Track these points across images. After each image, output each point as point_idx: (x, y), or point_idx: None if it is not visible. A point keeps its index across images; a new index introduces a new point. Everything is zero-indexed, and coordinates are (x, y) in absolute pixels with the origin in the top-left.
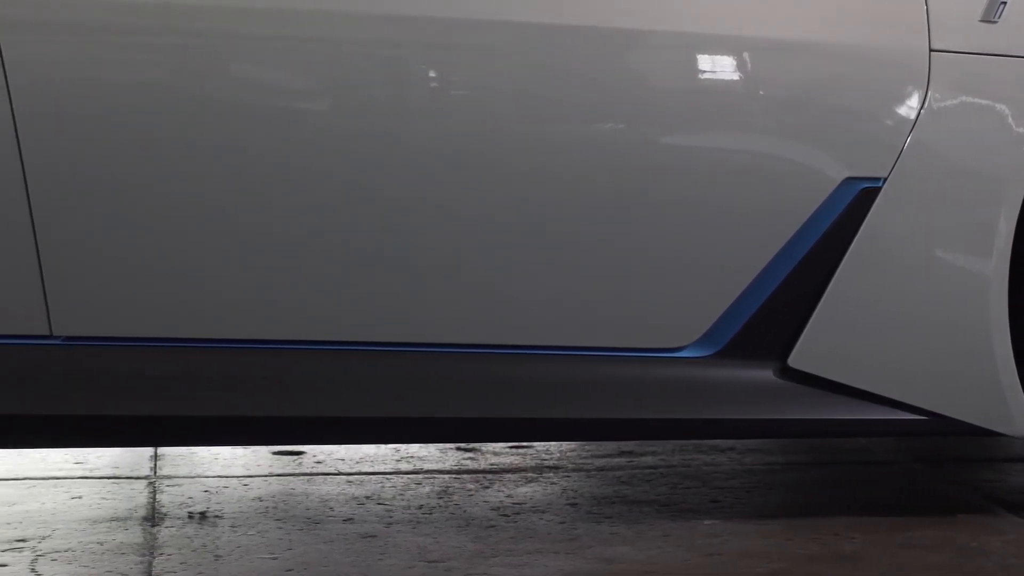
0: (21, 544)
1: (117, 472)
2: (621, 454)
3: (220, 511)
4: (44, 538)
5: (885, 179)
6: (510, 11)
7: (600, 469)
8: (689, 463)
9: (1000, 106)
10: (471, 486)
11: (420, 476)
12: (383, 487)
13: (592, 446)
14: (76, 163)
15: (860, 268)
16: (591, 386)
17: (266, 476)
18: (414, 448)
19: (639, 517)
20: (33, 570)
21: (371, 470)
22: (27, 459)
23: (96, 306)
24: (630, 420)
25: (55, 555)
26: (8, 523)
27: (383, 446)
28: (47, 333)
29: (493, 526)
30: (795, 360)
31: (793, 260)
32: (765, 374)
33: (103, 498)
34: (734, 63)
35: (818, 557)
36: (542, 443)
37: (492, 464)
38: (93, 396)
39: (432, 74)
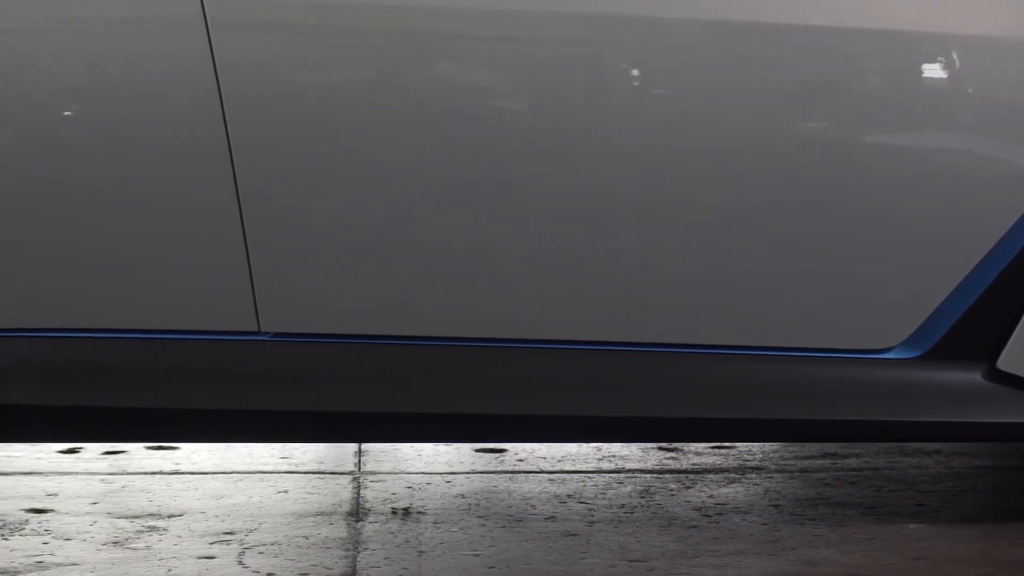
0: (229, 537)
1: (322, 467)
2: (824, 456)
3: (423, 507)
4: (251, 531)
5: None
6: (709, 9)
7: (803, 471)
8: (894, 466)
9: None
10: (673, 486)
11: (622, 475)
12: (585, 486)
13: (795, 447)
14: (284, 162)
15: None
16: (796, 387)
17: (468, 473)
18: (616, 447)
19: (843, 519)
20: (240, 562)
21: (573, 468)
22: (234, 453)
23: (303, 303)
24: (835, 421)
25: (262, 548)
26: (216, 516)
27: (585, 445)
28: (256, 329)
29: (695, 526)
30: (1004, 362)
31: (1003, 261)
32: (973, 376)
33: (308, 493)
34: (945, 61)
35: None
36: (745, 444)
37: (694, 464)
38: (299, 391)
39: (634, 72)
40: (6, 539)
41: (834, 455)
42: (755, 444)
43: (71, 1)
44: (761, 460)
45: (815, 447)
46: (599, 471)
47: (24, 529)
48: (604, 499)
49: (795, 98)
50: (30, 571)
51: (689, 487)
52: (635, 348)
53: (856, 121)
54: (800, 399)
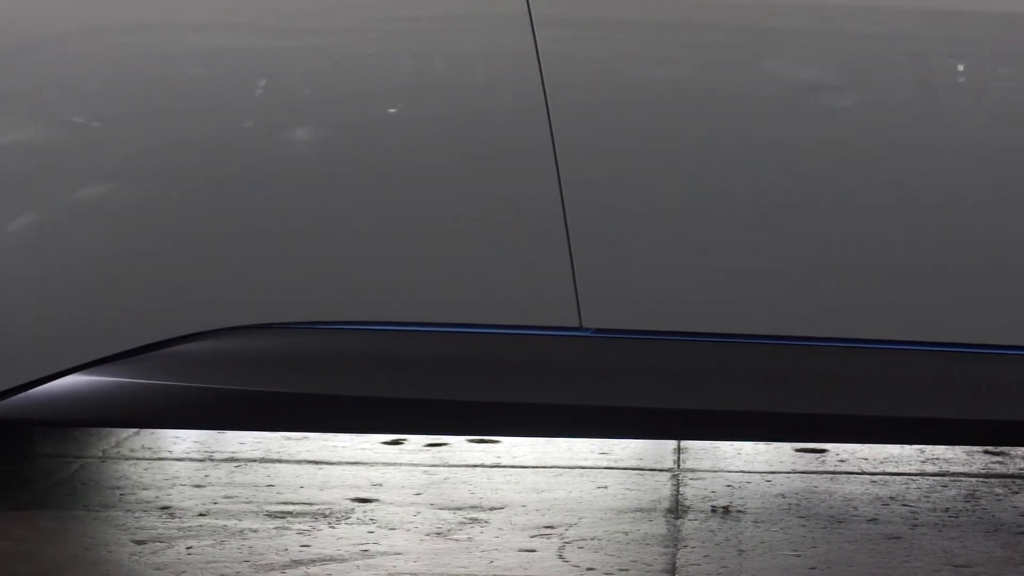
0: (549, 531)
1: (641, 463)
2: None
3: (743, 506)
4: (571, 526)
5: None
6: None
7: None
8: None
9: None
10: (999, 490)
11: (946, 478)
12: (908, 488)
13: None
14: (607, 158)
15: None
16: None
17: (788, 472)
18: (940, 450)
19: None
20: (560, 556)
21: (895, 470)
22: (554, 448)
23: (625, 299)
24: None
25: (581, 543)
26: (537, 510)
27: (908, 447)
28: (577, 325)
29: (1023, 532)
30: None
31: None
32: None
33: (627, 489)
34: None
35: None
36: None
37: (1022, 468)
38: (620, 387)
39: (959, 68)
40: (332, 527)
41: None
42: None
43: (394, 1)
44: None
45: None
46: (922, 474)
47: (350, 518)
48: (928, 502)
49: None
50: (355, 559)
51: (1016, 492)
52: (957, 349)
53: None
54: None
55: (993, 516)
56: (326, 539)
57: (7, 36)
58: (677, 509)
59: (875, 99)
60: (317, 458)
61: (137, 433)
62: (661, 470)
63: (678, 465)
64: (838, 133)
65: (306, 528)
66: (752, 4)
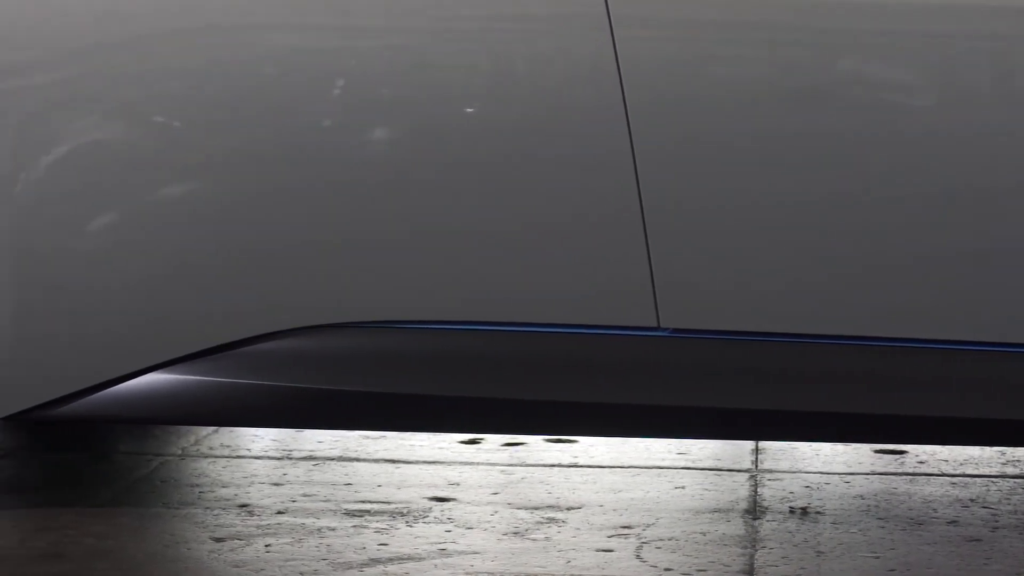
0: (626, 531)
1: (719, 464)
2: None
3: (821, 507)
4: (648, 526)
5: None
6: None
7: None
8: None
9: None
10: None
11: None
12: (988, 490)
13: None
14: (684, 159)
15: None
16: None
17: (867, 474)
18: (1020, 452)
19: None
20: (638, 556)
21: (975, 472)
22: (631, 448)
23: (703, 299)
24: None
25: (659, 543)
26: (614, 510)
27: (988, 449)
28: (655, 325)
29: None
30: None
31: None
32: None
33: (705, 489)
34: None
35: None
36: None
37: None
38: (697, 387)
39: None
40: (410, 526)
41: None
42: None
43: (473, 1)
44: None
45: None
46: (1003, 476)
47: (427, 517)
48: (1008, 504)
49: None
50: (433, 558)
51: None
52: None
53: None
54: None
55: None
56: (404, 538)
57: (94, 34)
58: (755, 510)
59: (959, 98)
60: (395, 457)
61: (216, 431)
62: (739, 470)
63: (756, 466)
64: (920, 132)
65: (384, 527)
66: (828, 3)
